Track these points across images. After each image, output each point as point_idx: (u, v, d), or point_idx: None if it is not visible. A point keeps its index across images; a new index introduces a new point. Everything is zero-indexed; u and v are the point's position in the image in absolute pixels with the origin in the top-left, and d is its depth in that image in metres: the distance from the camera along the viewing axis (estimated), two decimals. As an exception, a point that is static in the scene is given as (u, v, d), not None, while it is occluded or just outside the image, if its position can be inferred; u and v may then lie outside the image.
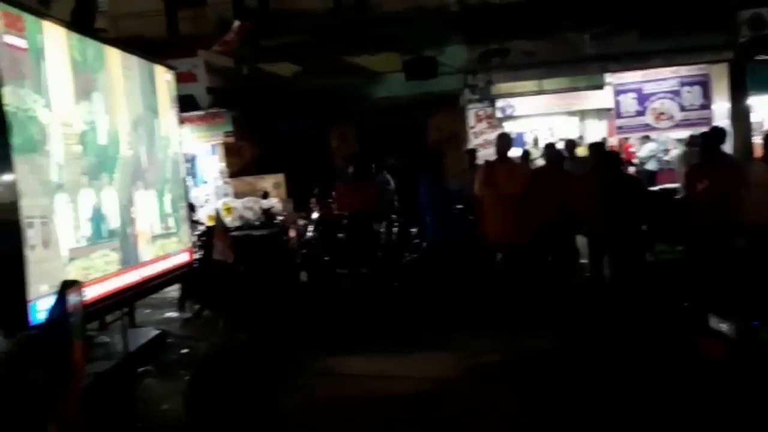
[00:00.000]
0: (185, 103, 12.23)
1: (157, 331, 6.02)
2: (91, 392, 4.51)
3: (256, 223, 8.25)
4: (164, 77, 6.28)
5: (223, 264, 5.73)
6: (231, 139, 11.98)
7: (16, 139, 3.69)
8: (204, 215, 10.85)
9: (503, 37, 12.12)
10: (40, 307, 3.68)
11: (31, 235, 3.75)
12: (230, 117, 12.00)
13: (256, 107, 12.55)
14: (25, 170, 3.76)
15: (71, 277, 4.07)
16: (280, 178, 11.58)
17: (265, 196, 10.47)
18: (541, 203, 5.86)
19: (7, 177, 3.62)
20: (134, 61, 5.66)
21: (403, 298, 6.41)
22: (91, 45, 4.86)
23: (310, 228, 7.34)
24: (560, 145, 8.06)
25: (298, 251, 7.18)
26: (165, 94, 6.25)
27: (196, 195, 12.28)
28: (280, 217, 8.88)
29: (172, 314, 6.95)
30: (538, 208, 5.85)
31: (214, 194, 11.71)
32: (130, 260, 5.12)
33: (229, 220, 10.81)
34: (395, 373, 4.70)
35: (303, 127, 12.45)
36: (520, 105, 12.51)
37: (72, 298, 2.71)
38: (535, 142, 12.26)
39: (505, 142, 6.52)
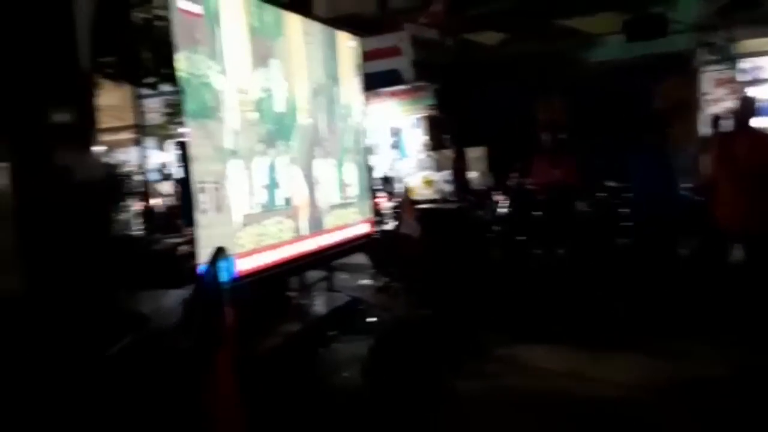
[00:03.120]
0: (390, 78, 12.56)
1: (348, 298, 6.18)
2: (283, 350, 4.81)
3: (451, 197, 8.03)
4: (347, 44, 6.22)
5: (408, 237, 5.61)
6: (433, 113, 11.91)
7: (189, 105, 3.78)
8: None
9: (754, -16, 10.09)
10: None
11: (203, 200, 3.84)
12: (433, 90, 11.91)
13: (460, 79, 12.28)
14: (198, 136, 3.84)
15: (243, 242, 4.28)
16: (480, 151, 11.21)
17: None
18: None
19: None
20: (316, 27, 5.59)
21: (605, 286, 5.67)
22: (270, 10, 4.83)
23: (505, 204, 6.86)
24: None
25: (490, 228, 6.78)
26: (348, 62, 6.19)
27: (401, 168, 12.56)
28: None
29: (368, 282, 7.09)
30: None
31: (416, 167, 11.79)
32: (305, 228, 5.17)
33: (428, 193, 10.84)
34: (588, 374, 4.11)
35: (507, 98, 11.85)
36: (772, 66, 10.34)
37: (224, 266, 2.71)
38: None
39: (747, 106, 5.37)
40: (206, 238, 3.80)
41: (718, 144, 5.84)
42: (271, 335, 4.84)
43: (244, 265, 4.28)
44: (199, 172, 3.84)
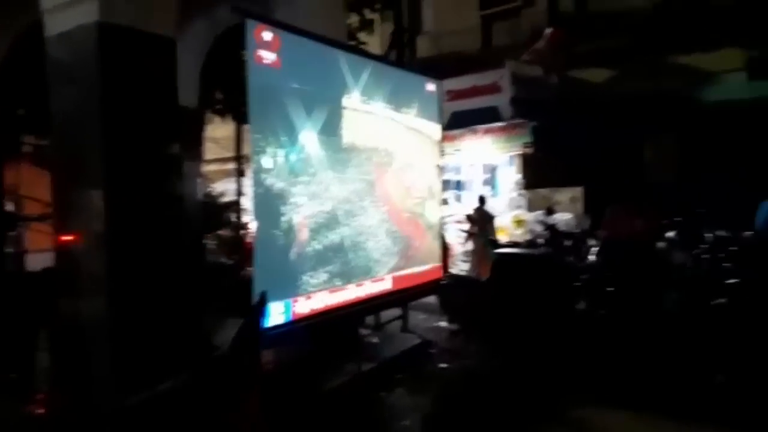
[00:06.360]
0: (488, 115, 12.42)
1: (419, 340, 6.03)
2: (346, 389, 4.76)
3: (540, 240, 7.66)
4: (427, 88, 6.18)
5: (471, 281, 5.38)
6: (529, 150, 11.58)
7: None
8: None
9: None
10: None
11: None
12: (531, 128, 11.60)
13: (561, 117, 11.89)
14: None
15: (302, 286, 4.34)
16: (577, 191, 10.69)
17: (550, 211, 9.75)
18: None
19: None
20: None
21: (703, 348, 5.07)
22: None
23: (594, 250, 6.41)
24: None
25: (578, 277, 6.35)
26: (427, 105, 6.16)
27: (492, 206, 12.26)
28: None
29: (444, 324, 6.89)
30: None
31: (508, 206, 11.46)
32: (371, 272, 5.19)
33: (519, 233, 10.47)
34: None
35: (611, 137, 11.28)
36: None
37: (266, 310, 2.70)
38: None
39: None
40: (264, 280, 3.85)
41: None
42: (332, 375, 4.81)
43: (301, 308, 4.35)
44: (264, 224, 4.02)
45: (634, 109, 11.26)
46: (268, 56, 4.07)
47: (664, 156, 11.88)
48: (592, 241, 7.49)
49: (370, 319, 6.49)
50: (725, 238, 6.67)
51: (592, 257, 6.41)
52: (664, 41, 11.64)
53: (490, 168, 12.89)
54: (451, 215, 10.97)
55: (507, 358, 5.22)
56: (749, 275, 5.51)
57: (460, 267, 8.47)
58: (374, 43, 12.64)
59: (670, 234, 6.92)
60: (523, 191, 11.66)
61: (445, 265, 7.11)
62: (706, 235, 6.72)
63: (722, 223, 7.00)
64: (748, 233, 6.26)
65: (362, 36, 10.69)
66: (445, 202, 9.51)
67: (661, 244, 6.49)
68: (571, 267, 6.53)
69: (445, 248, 8.96)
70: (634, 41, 11.94)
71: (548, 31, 12.57)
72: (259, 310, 2.65)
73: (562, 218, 9.70)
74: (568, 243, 7.93)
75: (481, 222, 9.06)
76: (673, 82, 11.46)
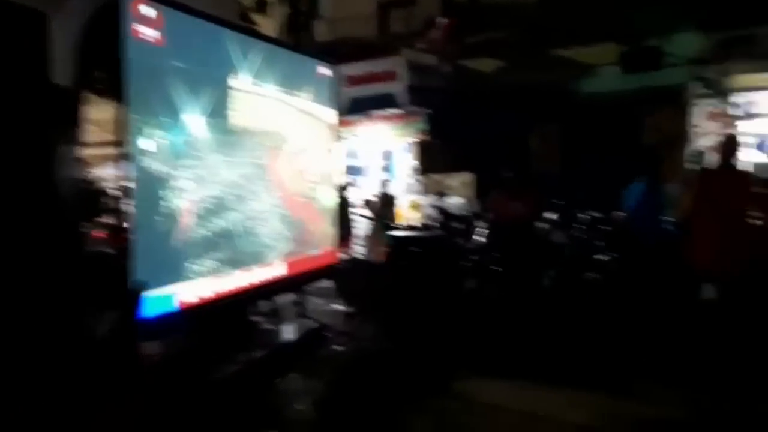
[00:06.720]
0: (386, 101, 12.59)
1: (315, 325, 6.04)
2: (239, 379, 4.67)
3: (433, 223, 7.92)
4: (321, 72, 6.10)
5: (368, 264, 5.48)
6: (424, 137, 11.89)
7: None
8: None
9: (749, 22, 10.08)
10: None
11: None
12: (426, 115, 11.90)
13: (454, 105, 12.28)
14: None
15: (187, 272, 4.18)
16: (468, 177, 11.14)
17: (442, 196, 10.12)
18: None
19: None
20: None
21: (577, 322, 5.52)
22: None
23: (483, 233, 6.73)
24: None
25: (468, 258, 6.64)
26: (322, 90, 6.08)
27: (390, 191, 12.50)
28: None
29: (341, 307, 6.95)
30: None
31: (404, 191, 11.72)
32: (262, 258, 5.07)
33: (415, 217, 10.75)
34: (541, 411, 3.98)
35: (501, 126, 11.82)
36: (764, 101, 10.25)
37: (143, 300, 2.60)
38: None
39: (729, 144, 5.29)
40: (145, 268, 3.62)
41: (699, 180, 5.76)
42: (223, 364, 4.70)
43: (187, 296, 4.17)
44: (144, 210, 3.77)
45: (521, 99, 11.87)
46: (147, 32, 3.85)
47: (547, 144, 12.62)
48: (480, 224, 7.82)
49: (265, 305, 6.42)
50: (599, 218, 7.26)
51: (479, 238, 6.71)
52: (548, 35, 12.29)
53: (386, 154, 13.09)
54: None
55: (400, 337, 5.37)
56: (618, 251, 6.06)
57: (355, 250, 8.57)
58: (270, 25, 12.36)
59: (551, 216, 7.42)
60: (419, 177, 11.96)
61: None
62: (582, 216, 7.25)
63: (598, 206, 7.60)
64: (619, 213, 6.82)
65: (257, 18, 10.42)
66: (343, 187, 9.57)
67: (543, 226, 6.95)
68: (461, 248, 6.81)
69: (350, 232, 9.08)
70: (521, 34, 12.53)
71: (442, 20, 12.87)
72: (135, 299, 2.52)
73: (454, 202, 10.07)
74: (459, 226, 8.23)
75: (381, 205, 9.20)
76: (556, 74, 12.16)
